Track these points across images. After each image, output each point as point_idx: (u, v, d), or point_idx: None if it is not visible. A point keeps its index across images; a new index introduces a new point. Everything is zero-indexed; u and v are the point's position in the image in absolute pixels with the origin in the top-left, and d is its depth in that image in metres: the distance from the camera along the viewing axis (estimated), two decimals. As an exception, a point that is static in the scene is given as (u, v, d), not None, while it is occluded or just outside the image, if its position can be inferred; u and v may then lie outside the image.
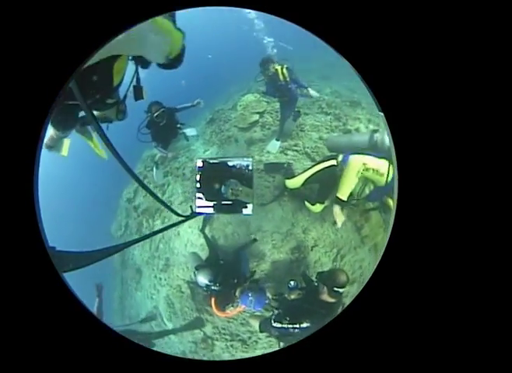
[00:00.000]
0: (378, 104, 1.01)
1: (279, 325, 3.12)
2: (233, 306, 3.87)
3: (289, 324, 3.06)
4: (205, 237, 4.70)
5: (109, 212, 7.26)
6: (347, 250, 4.25)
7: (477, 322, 0.95)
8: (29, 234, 0.91)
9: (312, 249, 4.32)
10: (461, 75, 0.95)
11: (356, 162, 3.36)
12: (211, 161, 2.00)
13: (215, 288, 3.67)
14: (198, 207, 1.98)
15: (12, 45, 0.88)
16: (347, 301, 3.32)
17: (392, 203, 3.05)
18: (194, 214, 2.02)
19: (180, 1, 0.98)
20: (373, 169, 3.30)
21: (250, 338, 4.33)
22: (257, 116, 5.68)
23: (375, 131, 3.82)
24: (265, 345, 4.20)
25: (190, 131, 5.59)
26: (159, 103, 4.72)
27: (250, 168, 1.99)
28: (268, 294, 3.73)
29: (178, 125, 5.03)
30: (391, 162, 3.23)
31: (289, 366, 1.01)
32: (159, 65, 1.70)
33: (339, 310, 3.11)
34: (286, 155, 5.02)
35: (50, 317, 0.94)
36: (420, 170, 0.98)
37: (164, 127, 4.80)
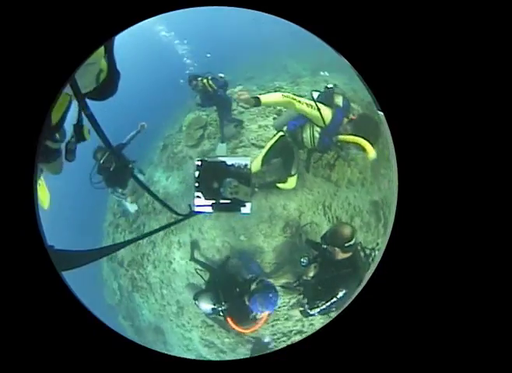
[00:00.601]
0: (378, 104, 1.01)
1: (317, 310, 2.96)
2: (254, 316, 3.56)
3: (325, 302, 2.92)
4: (199, 262, 4.59)
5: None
6: (330, 199, 4.49)
7: (477, 320, 0.96)
8: (28, 233, 0.90)
9: (300, 218, 4.44)
10: (460, 75, 0.95)
11: (282, 93, 3.18)
12: (209, 160, 2.00)
13: (224, 308, 3.41)
14: (197, 205, 1.98)
15: (12, 45, 0.87)
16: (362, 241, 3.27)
17: (345, 138, 3.06)
18: (192, 213, 2.02)
19: (181, 1, 0.98)
20: (302, 102, 3.12)
21: (303, 326, 4.24)
22: (201, 131, 6.02)
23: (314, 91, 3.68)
24: (322, 321, 4.02)
25: (131, 207, 5.70)
26: (102, 148, 4.51)
27: (248, 167, 1.99)
28: (279, 286, 3.58)
29: (130, 165, 4.86)
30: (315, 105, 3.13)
31: (289, 366, 1.02)
32: (93, 95, 1.51)
33: (361, 258, 3.03)
34: (237, 153, 5.17)
35: (49, 316, 0.94)
36: (420, 169, 0.98)
37: (116, 170, 4.61)
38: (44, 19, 0.89)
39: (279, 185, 3.97)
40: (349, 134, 3.10)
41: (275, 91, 5.73)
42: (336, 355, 1.01)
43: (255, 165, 3.94)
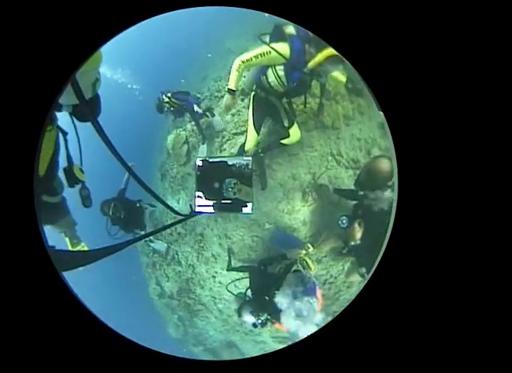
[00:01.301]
0: (378, 104, 1.01)
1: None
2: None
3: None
4: (236, 269, 4.40)
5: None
6: (335, 146, 4.10)
7: (477, 320, 0.95)
8: (28, 233, 0.91)
9: (317, 178, 4.09)
10: (460, 75, 0.95)
11: (234, 65, 3.09)
12: (210, 160, 2.01)
13: (265, 317, 3.17)
14: (198, 206, 1.98)
15: (11, 46, 0.88)
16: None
17: (315, 62, 2.87)
18: (193, 213, 2.02)
19: (181, 2, 0.98)
20: (255, 56, 3.01)
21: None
22: (185, 146, 6.06)
23: None
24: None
25: (159, 246, 5.83)
26: (107, 201, 4.75)
27: (249, 167, 1.99)
28: (325, 255, 3.38)
29: (138, 204, 5.07)
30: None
31: (289, 366, 1.01)
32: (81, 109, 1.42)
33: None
34: (224, 149, 5.05)
35: (50, 316, 0.94)
36: (420, 170, 0.98)
37: (127, 216, 4.83)
38: (44, 19, 0.89)
39: (284, 141, 3.72)
40: (316, 55, 2.90)
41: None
42: (336, 355, 1.01)
43: (251, 138, 3.72)
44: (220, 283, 5.15)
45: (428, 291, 0.98)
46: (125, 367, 0.99)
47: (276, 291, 3.11)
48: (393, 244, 1.03)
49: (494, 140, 0.94)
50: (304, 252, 3.72)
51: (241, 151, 3.98)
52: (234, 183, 1.98)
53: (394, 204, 1.04)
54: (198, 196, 1.98)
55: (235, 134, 4.99)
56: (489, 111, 0.94)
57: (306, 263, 3.71)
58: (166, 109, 5.22)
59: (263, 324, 3.21)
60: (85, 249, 3.73)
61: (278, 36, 3.07)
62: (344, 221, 2.76)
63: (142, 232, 5.11)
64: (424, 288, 0.99)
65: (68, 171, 1.75)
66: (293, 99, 3.77)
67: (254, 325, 3.25)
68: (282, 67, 3.16)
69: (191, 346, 6.20)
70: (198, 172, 1.99)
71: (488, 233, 0.95)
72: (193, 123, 5.57)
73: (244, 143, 3.86)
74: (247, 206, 1.99)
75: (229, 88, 3.19)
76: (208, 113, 5.32)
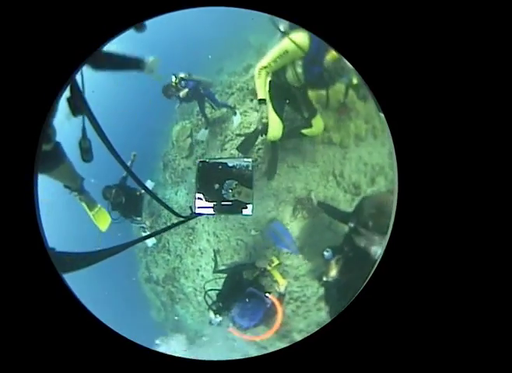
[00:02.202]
0: (378, 104, 1.01)
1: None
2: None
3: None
4: (220, 272, 4.31)
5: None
6: (339, 165, 3.81)
7: (477, 320, 0.95)
8: (29, 235, 0.91)
9: (310, 196, 3.86)
10: (461, 75, 0.95)
11: (255, 73, 3.03)
12: (210, 161, 2.01)
13: (219, 319, 3.29)
14: (198, 207, 1.98)
15: (10, 46, 0.88)
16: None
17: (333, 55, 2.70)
18: (193, 215, 2.02)
19: (182, 2, 0.98)
20: (273, 60, 2.92)
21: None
22: (189, 139, 6.13)
23: None
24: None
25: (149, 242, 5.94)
26: (109, 186, 4.89)
27: (249, 168, 1.99)
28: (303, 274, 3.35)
29: (138, 193, 5.18)
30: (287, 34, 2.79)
31: (288, 366, 1.01)
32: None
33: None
34: (225, 149, 4.96)
35: (51, 318, 0.94)
36: (421, 170, 0.98)
37: (128, 202, 4.96)
38: (44, 20, 0.90)
39: (305, 131, 3.50)
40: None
41: (246, 72, 5.67)
42: (336, 355, 1.01)
43: (275, 125, 3.34)
44: (203, 277, 5.25)
45: (428, 294, 0.98)
46: (125, 367, 0.98)
47: (235, 300, 3.21)
48: (393, 244, 1.03)
49: (494, 140, 0.94)
50: (273, 263, 3.64)
51: (264, 140, 3.76)
52: (234, 185, 1.98)
53: (394, 204, 1.04)
54: (199, 198, 1.98)
55: (238, 135, 4.93)
56: (490, 110, 0.94)
57: (273, 275, 3.66)
58: (171, 91, 5.19)
59: (218, 324, 3.33)
60: (103, 210, 3.86)
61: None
62: (327, 253, 2.60)
63: (138, 219, 5.27)
64: (424, 290, 0.99)
65: (83, 147, 1.73)
66: (313, 92, 3.51)
67: (210, 322, 3.36)
68: (300, 62, 2.97)
69: (169, 330, 6.27)
70: (199, 174, 1.99)
71: (488, 237, 0.95)
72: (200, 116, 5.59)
73: (266, 131, 3.47)
74: (246, 207, 1.99)
75: (259, 99, 3.15)
76: (213, 105, 5.34)
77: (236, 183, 1.98)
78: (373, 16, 0.96)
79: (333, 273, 2.52)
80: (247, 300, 3.21)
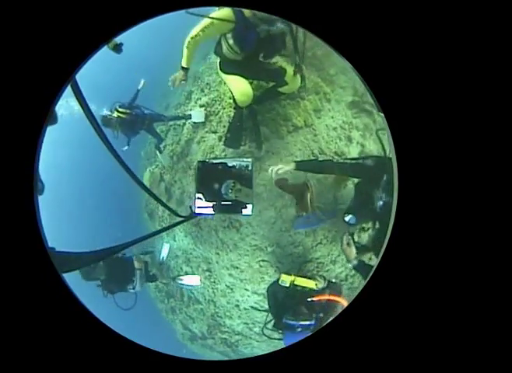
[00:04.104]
0: (378, 104, 1.01)
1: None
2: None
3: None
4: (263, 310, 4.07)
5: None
6: (314, 143, 3.83)
7: (478, 320, 0.95)
8: (28, 235, 0.91)
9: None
10: (461, 75, 0.95)
11: (185, 42, 2.96)
12: (210, 161, 2.01)
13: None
14: (198, 207, 1.98)
15: (11, 46, 0.88)
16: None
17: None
18: (193, 215, 2.03)
19: (183, 1, 0.98)
20: (201, 30, 2.85)
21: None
22: (162, 183, 5.53)
23: None
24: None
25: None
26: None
27: (249, 168, 1.99)
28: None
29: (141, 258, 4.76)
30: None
31: (288, 366, 1.01)
32: None
33: None
34: (205, 138, 4.45)
35: (50, 318, 0.94)
36: (421, 170, 0.98)
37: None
38: (44, 20, 0.90)
39: (282, 89, 3.41)
40: None
41: (189, 99, 5.04)
42: (336, 355, 1.01)
43: (241, 85, 3.24)
44: (245, 309, 4.94)
45: (429, 295, 0.98)
46: (125, 367, 0.98)
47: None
48: (393, 245, 1.03)
49: (494, 140, 0.94)
50: (292, 277, 3.55)
51: (235, 105, 3.55)
52: (234, 184, 1.99)
53: (394, 205, 1.04)
54: (198, 198, 1.98)
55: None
56: (490, 110, 0.94)
57: (301, 286, 3.41)
58: (112, 121, 4.47)
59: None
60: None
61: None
62: (348, 217, 2.62)
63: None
64: (424, 291, 0.99)
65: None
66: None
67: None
68: (230, 34, 2.92)
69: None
70: (198, 174, 1.99)
71: (488, 236, 0.95)
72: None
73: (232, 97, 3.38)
74: (246, 207, 1.99)
75: (182, 66, 3.09)
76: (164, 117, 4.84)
77: (236, 182, 1.98)
78: (373, 15, 0.96)
79: (353, 254, 2.58)
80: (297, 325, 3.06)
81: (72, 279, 0.98)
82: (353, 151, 3.88)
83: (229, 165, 1.98)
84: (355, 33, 0.98)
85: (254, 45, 2.93)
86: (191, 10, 2.74)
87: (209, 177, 1.98)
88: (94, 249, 1.10)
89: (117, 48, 2.37)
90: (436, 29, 0.95)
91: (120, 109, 4.46)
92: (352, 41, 0.99)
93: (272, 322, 3.34)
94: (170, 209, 1.84)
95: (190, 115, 4.53)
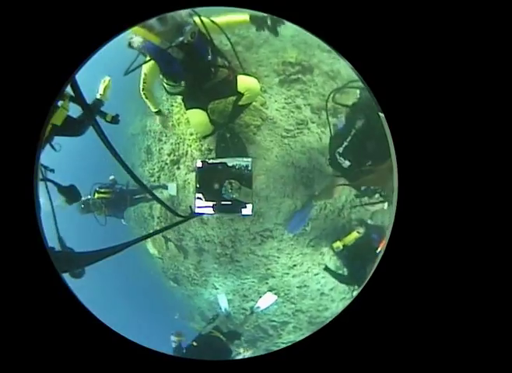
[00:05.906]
0: (378, 104, 1.01)
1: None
2: None
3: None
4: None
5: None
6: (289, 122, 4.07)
7: (477, 319, 0.95)
8: (28, 234, 0.91)
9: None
10: (461, 75, 0.95)
11: (143, 97, 3.08)
12: (210, 161, 2.01)
13: None
14: (198, 207, 1.98)
15: (11, 46, 0.88)
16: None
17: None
18: (193, 214, 2.03)
19: (182, 1, 0.98)
20: (144, 76, 2.92)
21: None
22: (169, 250, 5.10)
23: None
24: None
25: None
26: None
27: (249, 168, 2.00)
28: None
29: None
30: None
31: (288, 366, 1.01)
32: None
33: None
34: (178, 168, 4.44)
35: (50, 317, 0.94)
36: (421, 170, 0.98)
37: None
38: (44, 19, 0.90)
39: (242, 102, 3.21)
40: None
41: (149, 153, 4.91)
42: (336, 356, 1.01)
43: (199, 117, 3.11)
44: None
45: (428, 295, 0.98)
46: (125, 368, 0.98)
47: None
48: (393, 245, 1.03)
49: (495, 139, 0.94)
50: (339, 242, 3.69)
51: (199, 139, 3.78)
52: (234, 184, 1.99)
53: (394, 205, 1.04)
54: (198, 198, 1.98)
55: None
56: (490, 110, 0.94)
57: (349, 242, 3.72)
58: (89, 205, 4.21)
59: None
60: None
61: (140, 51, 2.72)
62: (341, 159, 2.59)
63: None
64: (424, 292, 0.99)
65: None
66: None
67: None
68: (159, 72, 2.92)
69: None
70: (199, 174, 1.99)
71: (488, 235, 0.95)
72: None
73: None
74: (246, 207, 1.99)
75: (154, 112, 3.26)
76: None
77: (236, 182, 1.98)
78: (373, 15, 0.96)
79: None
80: None
81: (72, 279, 0.98)
82: (307, 113, 4.08)
83: (229, 165, 1.98)
84: (355, 33, 0.98)
85: (181, 68, 2.83)
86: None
87: (209, 177, 1.99)
88: (94, 249, 1.10)
89: (115, 120, 2.42)
90: (436, 29, 0.95)
91: (101, 190, 4.30)
92: (352, 41, 0.99)
93: None
94: (170, 209, 1.84)
95: (166, 186, 4.48)
